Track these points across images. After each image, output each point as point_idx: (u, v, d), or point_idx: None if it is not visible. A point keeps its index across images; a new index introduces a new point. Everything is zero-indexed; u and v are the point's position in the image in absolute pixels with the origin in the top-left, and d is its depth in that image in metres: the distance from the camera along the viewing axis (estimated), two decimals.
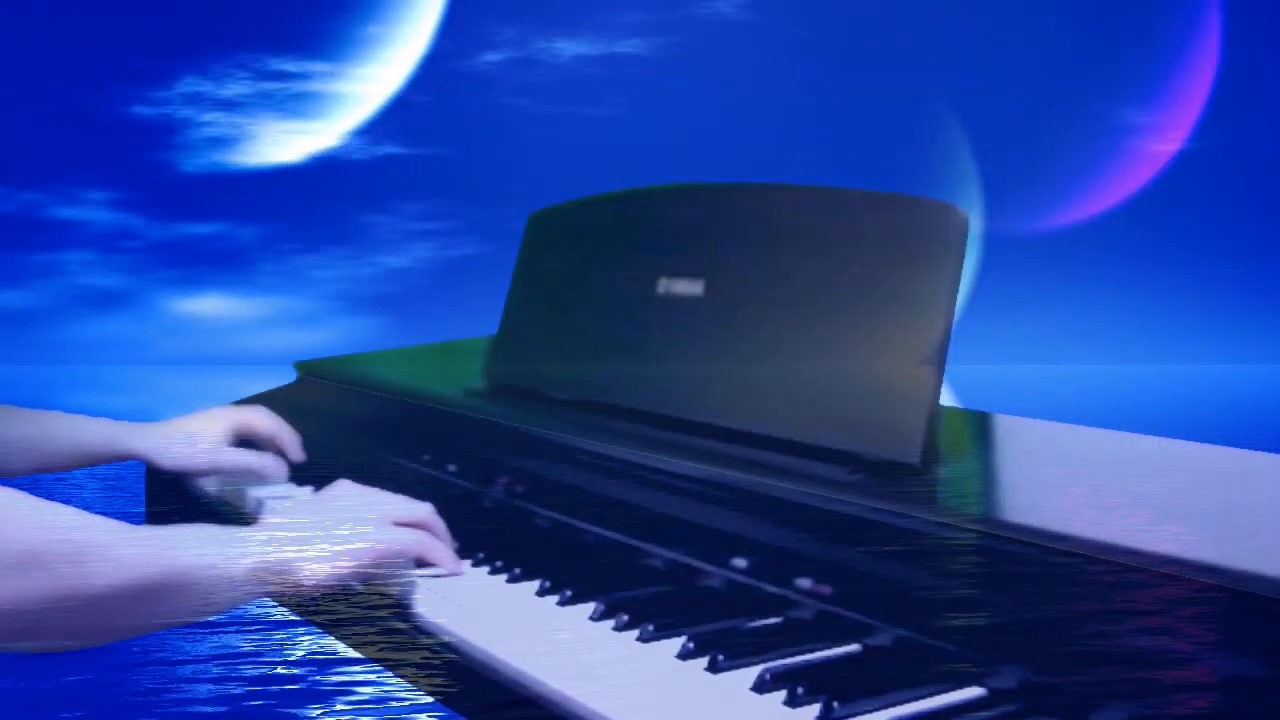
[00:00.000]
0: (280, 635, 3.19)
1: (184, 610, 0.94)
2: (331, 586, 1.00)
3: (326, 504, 1.09)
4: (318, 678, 2.92)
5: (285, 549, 0.99)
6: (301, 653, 3.06)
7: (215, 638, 3.18)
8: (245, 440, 1.52)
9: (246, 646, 3.13)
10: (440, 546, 1.10)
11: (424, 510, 1.11)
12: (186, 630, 3.20)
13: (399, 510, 1.09)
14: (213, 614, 0.96)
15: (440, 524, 1.12)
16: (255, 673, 2.96)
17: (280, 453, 1.53)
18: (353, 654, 1.16)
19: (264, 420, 1.52)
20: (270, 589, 0.99)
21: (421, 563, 1.10)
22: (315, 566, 0.99)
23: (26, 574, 0.86)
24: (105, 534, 0.91)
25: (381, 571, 1.04)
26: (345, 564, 1.01)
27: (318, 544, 1.00)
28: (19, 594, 0.85)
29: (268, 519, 1.04)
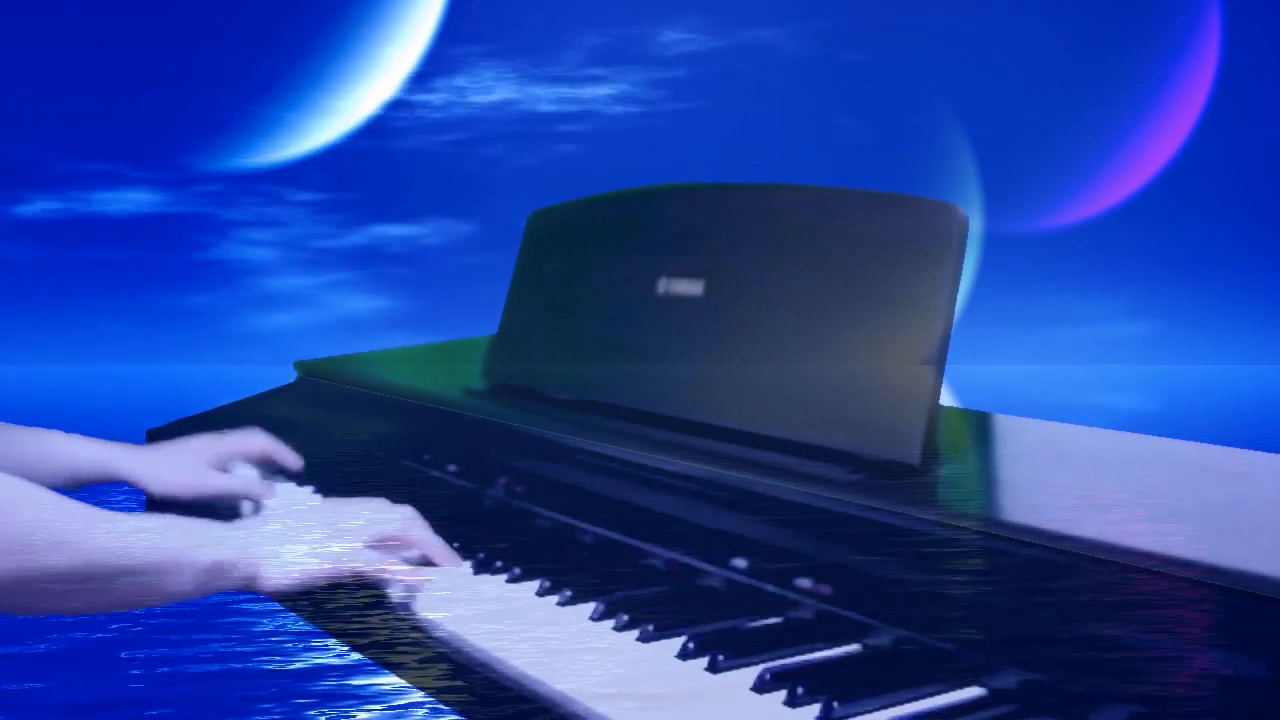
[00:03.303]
0: (280, 634, 3.19)
1: (139, 596, 0.98)
2: (289, 591, 1.04)
3: (306, 512, 1.12)
4: (317, 677, 2.91)
5: (251, 552, 1.03)
6: (302, 651, 3.05)
7: (214, 632, 3.17)
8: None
9: (248, 645, 3.12)
10: (400, 567, 1.11)
11: (399, 525, 1.13)
12: (177, 617, 3.20)
13: (372, 529, 1.10)
14: (168, 602, 1.00)
15: (416, 532, 1.14)
16: (254, 671, 2.96)
17: (278, 468, 1.53)
18: (353, 653, 1.16)
19: (256, 442, 1.52)
20: (226, 586, 1.02)
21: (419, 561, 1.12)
22: (276, 572, 1.03)
23: None
24: (67, 519, 0.94)
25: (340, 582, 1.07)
26: (304, 575, 1.04)
27: (285, 551, 1.04)
28: None
29: (243, 519, 1.07)
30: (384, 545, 1.10)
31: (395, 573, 1.09)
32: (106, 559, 0.94)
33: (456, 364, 1.81)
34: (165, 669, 2.94)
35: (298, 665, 2.95)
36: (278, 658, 2.99)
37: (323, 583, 1.05)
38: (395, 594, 1.09)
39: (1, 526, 0.90)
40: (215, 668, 2.96)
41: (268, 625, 3.17)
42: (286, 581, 1.03)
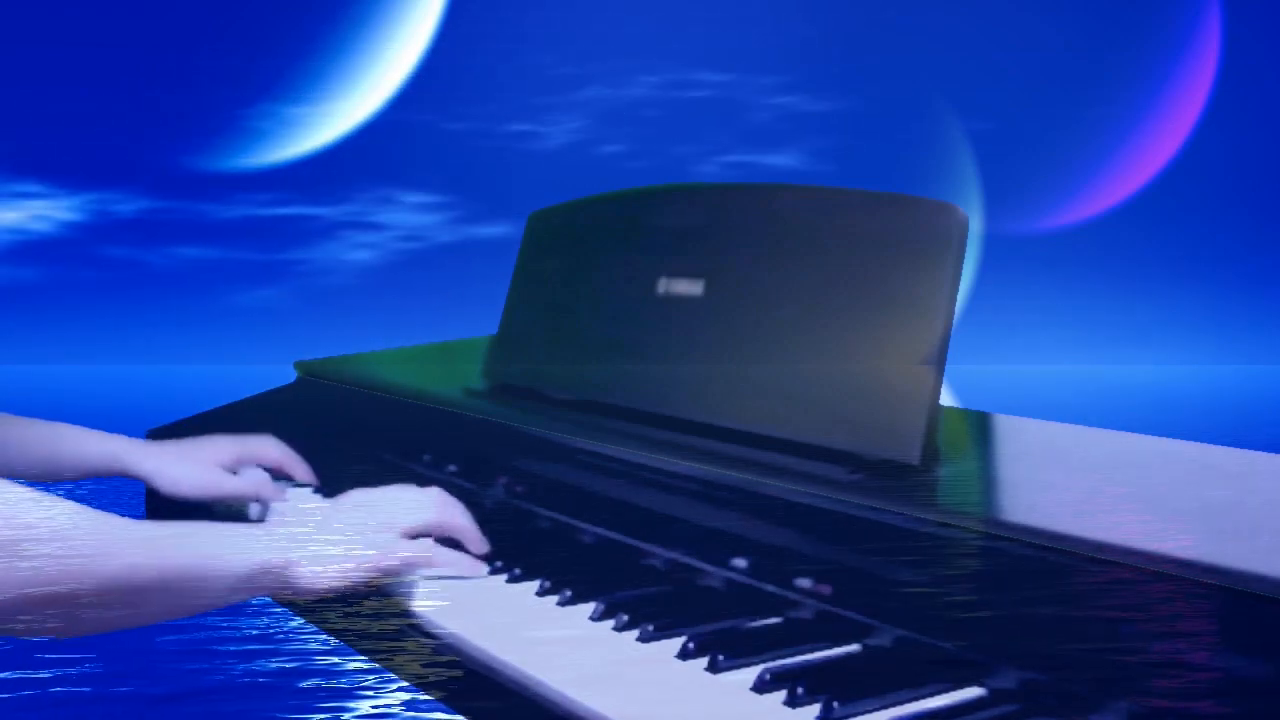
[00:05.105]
0: (280, 633, 3.16)
1: (171, 608, 0.94)
2: (329, 594, 1.00)
3: (337, 510, 1.09)
4: (316, 676, 2.91)
5: (289, 554, 0.99)
6: (172, 674, 2.95)
7: (89, 651, 3.03)
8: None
9: (120, 664, 2.99)
10: (445, 555, 1.10)
11: (434, 511, 1.11)
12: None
13: (409, 519, 1.09)
14: (200, 612, 0.97)
15: (454, 513, 1.13)
16: (253, 670, 2.95)
17: (290, 479, 1.51)
18: (352, 653, 1.16)
19: (272, 451, 1.49)
20: (267, 591, 0.99)
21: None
22: (316, 574, 0.99)
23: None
24: (96, 531, 0.90)
25: (384, 580, 1.04)
26: (345, 575, 1.00)
27: (323, 551, 1.00)
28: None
29: (277, 521, 1.04)
30: (423, 533, 1.08)
31: (438, 560, 1.07)
32: (138, 572, 0.90)
33: (456, 364, 1.81)
34: (26, 692, 2.82)
35: (164, 688, 2.84)
36: (145, 679, 2.88)
37: (366, 580, 1.02)
38: (418, 581, 1.07)
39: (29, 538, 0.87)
40: (77, 690, 2.84)
41: (156, 643, 3.05)
42: (327, 583, 0.99)
